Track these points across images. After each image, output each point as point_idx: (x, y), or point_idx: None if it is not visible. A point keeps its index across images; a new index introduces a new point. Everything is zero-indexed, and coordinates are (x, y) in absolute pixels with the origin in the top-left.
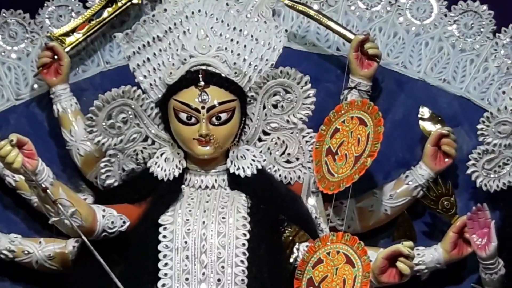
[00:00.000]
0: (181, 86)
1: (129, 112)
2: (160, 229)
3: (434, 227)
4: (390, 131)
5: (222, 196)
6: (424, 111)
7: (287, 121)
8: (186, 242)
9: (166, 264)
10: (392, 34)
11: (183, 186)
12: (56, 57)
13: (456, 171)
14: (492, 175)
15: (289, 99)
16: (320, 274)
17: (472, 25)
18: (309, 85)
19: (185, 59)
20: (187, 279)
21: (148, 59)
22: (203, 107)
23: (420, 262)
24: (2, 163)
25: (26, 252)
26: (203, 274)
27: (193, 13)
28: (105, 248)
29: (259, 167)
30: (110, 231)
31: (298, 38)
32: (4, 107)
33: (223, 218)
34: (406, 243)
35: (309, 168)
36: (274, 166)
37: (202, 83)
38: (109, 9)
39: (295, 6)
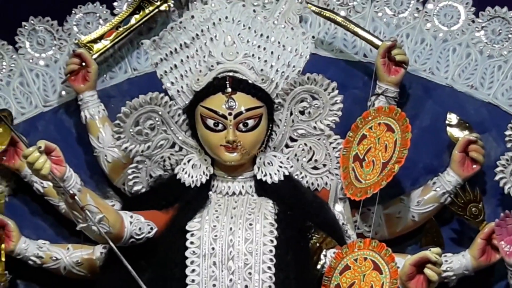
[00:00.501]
0: (208, 92)
1: (157, 119)
2: (188, 235)
3: (462, 233)
4: (418, 137)
5: (249, 202)
6: (452, 118)
7: (314, 127)
8: (213, 249)
9: (193, 271)
10: (419, 40)
11: (210, 192)
12: (84, 64)
13: (484, 178)
14: None
15: (316, 105)
16: (347, 281)
17: (500, 31)
18: (336, 92)
19: (212, 66)
20: (214, 285)
21: (175, 65)
22: (230, 114)
23: (448, 268)
24: (31, 170)
25: (54, 258)
26: (230, 280)
27: (220, 19)
28: (133, 254)
29: (286, 173)
30: (137, 237)
31: (325, 44)
32: (32, 113)
33: (250, 224)
34: (434, 250)
35: (336, 174)
36: (301, 173)
37: (229, 89)
38: (137, 16)
39: (322, 13)
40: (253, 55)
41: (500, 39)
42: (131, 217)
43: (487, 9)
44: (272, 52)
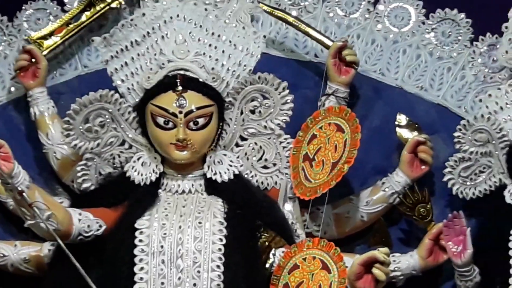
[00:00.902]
0: (158, 90)
1: (106, 116)
2: (136, 233)
3: (410, 234)
4: (367, 138)
5: (199, 201)
6: (401, 118)
7: (265, 126)
8: (162, 247)
9: (142, 268)
10: (370, 41)
11: (159, 190)
12: (33, 60)
13: (432, 179)
14: (468, 183)
15: (266, 104)
16: (296, 280)
17: (450, 33)
18: (287, 91)
19: (163, 64)
20: (162, 283)
21: (126, 63)
22: (180, 112)
23: (396, 268)
24: None
25: (1, 255)
26: (179, 278)
27: (171, 18)
28: (81, 252)
29: (236, 172)
30: (86, 234)
31: (276, 44)
32: None
33: (200, 223)
34: (382, 250)
35: (286, 174)
36: (251, 172)
37: (179, 88)
38: (87, 13)
39: (273, 12)
40: (204, 53)
41: (450, 41)
42: (80, 214)
43: (437, 11)
44: (223, 51)
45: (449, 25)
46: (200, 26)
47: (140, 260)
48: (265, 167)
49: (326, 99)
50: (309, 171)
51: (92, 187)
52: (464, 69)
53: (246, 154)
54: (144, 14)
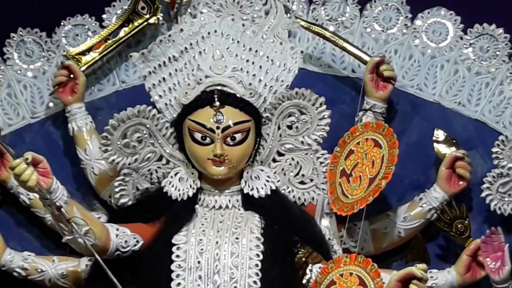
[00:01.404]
0: (196, 106)
1: (144, 132)
2: (174, 248)
3: (448, 250)
4: (405, 153)
5: (236, 216)
6: (439, 134)
7: (302, 142)
8: (199, 262)
9: (179, 284)
10: (407, 56)
11: (197, 206)
12: (72, 76)
13: (470, 194)
14: (506, 199)
15: (304, 120)
16: None
17: (488, 48)
18: (324, 107)
19: (200, 79)
20: None
21: (163, 79)
22: (218, 127)
23: (434, 285)
24: (17, 181)
25: (39, 270)
26: None
27: (209, 33)
28: (119, 267)
29: (273, 187)
30: (123, 250)
31: (314, 59)
32: (19, 125)
33: (237, 238)
34: (419, 266)
35: (323, 189)
36: (288, 187)
37: (217, 103)
38: (126, 29)
39: (311, 28)
40: (241, 69)
41: (488, 56)
42: (117, 229)
43: (475, 26)
44: (260, 67)
45: (487, 40)
46: (238, 41)
47: (177, 275)
48: (302, 182)
49: (363, 114)
50: (346, 187)
51: (130, 203)
52: (502, 84)
53: (283, 169)
54: (182, 30)
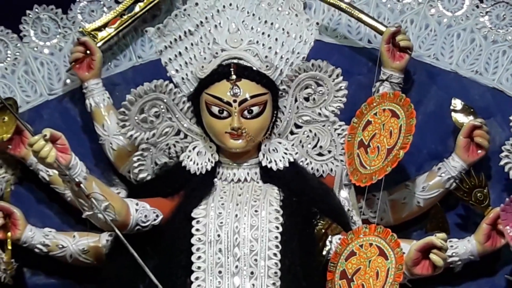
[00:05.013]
0: (212, 80)
1: (161, 106)
2: (193, 222)
3: (467, 219)
4: (422, 123)
5: (255, 189)
6: (457, 103)
7: (319, 114)
8: (219, 236)
9: (199, 257)
10: (423, 26)
11: (215, 179)
12: (88, 52)
13: (489, 163)
14: None
15: (320, 92)
16: (353, 267)
17: (504, 16)
18: (340, 78)
19: (216, 53)
20: (220, 272)
21: (179, 53)
22: (235, 101)
23: (454, 254)
24: (36, 158)
25: (60, 246)
26: (236, 267)
27: (224, 6)
28: (139, 242)
29: (291, 160)
30: (143, 224)
31: (330, 30)
32: (37, 102)
33: (256, 211)
34: (439, 235)
35: (341, 160)
36: (306, 159)
37: (233, 76)
38: (141, 4)
39: None
40: (257, 42)
41: (504, 24)
42: (137, 204)
43: None
44: (276, 39)
45: (504, 8)
46: (253, 14)
47: (197, 249)
48: (320, 154)
49: (380, 85)
50: (364, 158)
51: (148, 177)
52: None
53: (301, 141)
54: (197, 4)
